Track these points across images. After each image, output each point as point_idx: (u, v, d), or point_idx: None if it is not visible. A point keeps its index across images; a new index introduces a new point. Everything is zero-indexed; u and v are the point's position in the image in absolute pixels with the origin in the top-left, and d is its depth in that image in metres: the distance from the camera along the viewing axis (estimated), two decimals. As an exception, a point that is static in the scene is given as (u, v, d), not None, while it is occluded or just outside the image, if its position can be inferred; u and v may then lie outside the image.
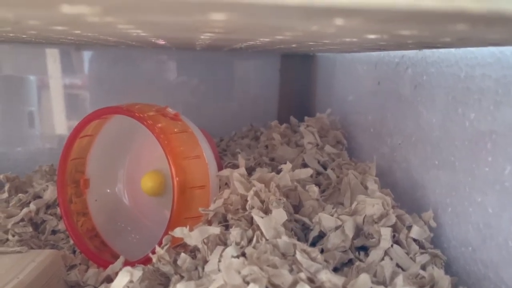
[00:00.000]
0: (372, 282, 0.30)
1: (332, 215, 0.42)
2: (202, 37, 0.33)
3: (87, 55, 0.77)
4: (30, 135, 0.76)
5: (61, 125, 0.77)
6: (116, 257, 0.47)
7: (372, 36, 0.26)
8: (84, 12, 0.15)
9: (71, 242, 0.51)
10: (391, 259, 0.38)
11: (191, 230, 0.38)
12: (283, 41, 0.36)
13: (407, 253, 0.40)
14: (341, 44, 0.38)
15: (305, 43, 0.38)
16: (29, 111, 0.75)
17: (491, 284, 0.37)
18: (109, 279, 0.44)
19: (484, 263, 0.38)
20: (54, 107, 0.76)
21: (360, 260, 0.40)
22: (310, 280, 0.30)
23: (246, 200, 0.43)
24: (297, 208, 0.46)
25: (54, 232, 0.54)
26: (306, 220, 0.44)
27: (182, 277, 0.36)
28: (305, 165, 0.59)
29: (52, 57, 0.74)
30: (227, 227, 0.41)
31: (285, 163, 0.50)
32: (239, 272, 0.29)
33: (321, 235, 0.42)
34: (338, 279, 0.29)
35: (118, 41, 0.49)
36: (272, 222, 0.37)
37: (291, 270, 0.31)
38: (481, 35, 0.21)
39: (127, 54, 0.79)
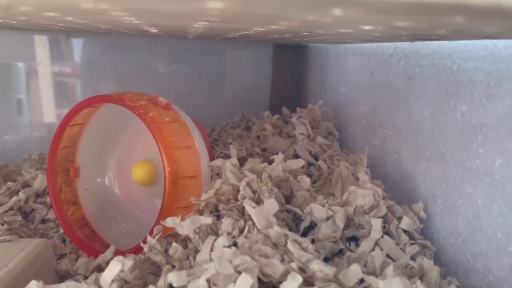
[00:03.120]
0: (363, 272, 0.30)
1: (323, 206, 0.43)
2: (196, 25, 0.33)
3: (77, 42, 0.76)
4: (18, 123, 0.75)
5: (51, 113, 0.76)
6: (106, 246, 0.46)
7: (367, 27, 0.26)
8: (79, -2, 0.14)
9: (61, 231, 0.51)
10: (382, 249, 0.39)
11: (182, 220, 0.38)
12: (277, 31, 0.36)
13: (397, 244, 0.40)
14: (335, 34, 0.37)
15: (299, 33, 0.37)
16: (18, 98, 0.74)
17: (480, 274, 0.37)
18: (100, 269, 0.43)
19: (473, 254, 0.38)
20: (43, 95, 0.75)
21: (351, 251, 0.40)
22: (302, 270, 0.30)
23: (238, 191, 0.43)
24: (288, 198, 0.47)
25: (43, 221, 0.54)
26: (297, 210, 0.44)
27: (173, 267, 0.36)
28: (296, 156, 0.59)
29: (42, 44, 0.73)
30: (218, 217, 0.41)
31: (277, 154, 0.50)
32: (231, 262, 0.29)
33: (312, 226, 0.43)
34: (329, 269, 0.30)
35: (110, 29, 0.48)
36: (264, 213, 0.37)
37: (282, 260, 0.31)
38: (478, 27, 0.21)
39: (118, 42, 0.78)
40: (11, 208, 0.52)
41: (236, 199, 0.43)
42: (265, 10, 0.18)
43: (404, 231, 0.42)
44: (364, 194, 0.43)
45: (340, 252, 0.41)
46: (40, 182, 0.57)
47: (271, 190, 0.43)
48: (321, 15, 0.18)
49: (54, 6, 0.21)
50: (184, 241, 0.40)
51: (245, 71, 0.90)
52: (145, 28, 0.44)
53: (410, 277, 0.34)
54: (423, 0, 0.12)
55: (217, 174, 0.48)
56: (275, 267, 0.29)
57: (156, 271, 0.37)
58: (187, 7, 0.18)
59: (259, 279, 0.28)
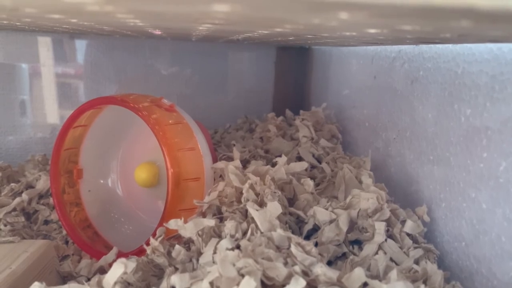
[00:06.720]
0: (366, 276, 0.30)
1: (326, 209, 0.42)
2: (200, 28, 0.33)
3: (80, 43, 0.76)
4: (22, 124, 0.75)
5: (54, 114, 0.76)
6: (109, 248, 0.46)
7: (372, 31, 0.26)
8: (85, 0, 0.14)
9: (64, 232, 0.51)
10: (385, 253, 0.39)
11: (185, 222, 0.38)
12: (281, 34, 0.36)
13: (401, 248, 0.40)
14: (339, 37, 0.37)
15: (303, 36, 0.37)
16: (21, 99, 0.74)
17: (483, 279, 0.37)
18: (102, 270, 0.43)
19: (477, 258, 0.38)
20: (47, 96, 0.75)
21: (354, 254, 0.40)
22: (305, 273, 0.30)
23: (241, 193, 0.43)
24: (291, 201, 0.46)
25: (46, 222, 0.54)
26: (300, 213, 0.44)
27: (176, 269, 0.36)
28: (300, 159, 0.59)
29: (45, 45, 0.73)
30: (221, 220, 0.41)
31: (280, 155, 0.50)
32: (234, 265, 0.29)
33: (316, 229, 0.42)
34: (332, 273, 0.30)
35: (113, 31, 0.48)
36: (267, 215, 0.37)
37: (285, 263, 0.31)
38: (483, 31, 0.21)
39: (121, 44, 0.78)
40: (14, 209, 0.52)
41: (239, 201, 0.43)
42: (271, 13, 0.18)
43: (408, 234, 0.42)
44: (367, 197, 0.43)
45: (344, 255, 0.40)
46: (43, 183, 0.57)
47: (274, 192, 0.42)
48: (327, 18, 0.18)
49: (60, 8, 0.21)
50: (187, 244, 0.39)
51: (248, 73, 0.90)
52: (149, 30, 0.44)
53: (414, 281, 0.34)
54: (430, 4, 0.12)
55: (220, 176, 0.48)
56: (278, 270, 0.29)
57: (159, 273, 0.37)
58: (192, 9, 0.18)
59: (262, 282, 0.28)
